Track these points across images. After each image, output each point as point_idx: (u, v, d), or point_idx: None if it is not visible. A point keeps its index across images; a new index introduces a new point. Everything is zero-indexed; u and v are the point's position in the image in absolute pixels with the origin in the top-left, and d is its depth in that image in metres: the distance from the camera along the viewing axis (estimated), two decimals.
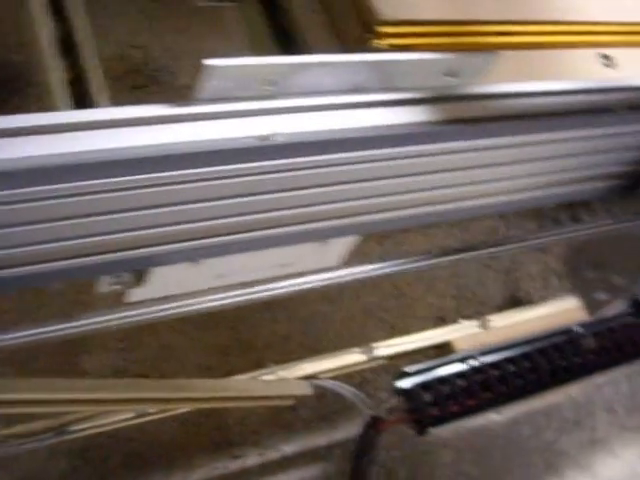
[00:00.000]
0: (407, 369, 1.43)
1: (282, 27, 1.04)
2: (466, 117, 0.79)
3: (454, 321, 1.79)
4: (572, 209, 1.98)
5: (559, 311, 1.69)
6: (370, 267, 0.97)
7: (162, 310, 0.93)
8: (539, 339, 1.53)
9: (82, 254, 0.75)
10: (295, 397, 1.34)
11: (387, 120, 0.76)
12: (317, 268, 1.06)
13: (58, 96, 0.93)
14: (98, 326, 0.75)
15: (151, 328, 1.68)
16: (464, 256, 0.99)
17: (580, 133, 0.87)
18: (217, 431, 1.65)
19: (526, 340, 1.52)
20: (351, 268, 1.01)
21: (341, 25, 0.98)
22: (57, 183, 0.66)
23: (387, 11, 0.87)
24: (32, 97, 1.88)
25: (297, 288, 1.03)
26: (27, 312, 1.54)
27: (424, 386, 1.41)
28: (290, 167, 0.74)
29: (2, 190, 0.64)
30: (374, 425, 1.41)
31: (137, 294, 0.99)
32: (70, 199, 0.68)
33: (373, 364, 1.48)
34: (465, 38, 0.87)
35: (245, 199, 0.78)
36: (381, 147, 0.76)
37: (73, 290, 1.62)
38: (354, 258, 1.09)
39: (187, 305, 0.95)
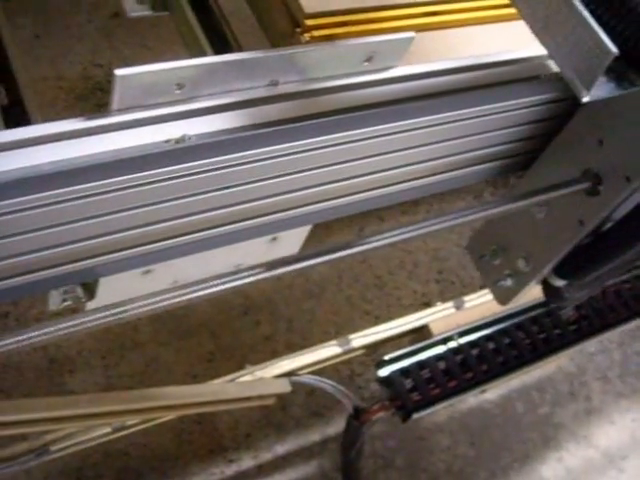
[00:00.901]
0: (386, 357, 1.44)
1: (216, 32, 1.05)
2: (385, 100, 0.80)
3: None
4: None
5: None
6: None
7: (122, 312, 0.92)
8: (517, 314, 1.54)
9: (22, 271, 0.75)
10: (275, 396, 1.35)
11: (306, 110, 0.77)
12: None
13: None
14: (71, 330, 0.74)
15: (133, 342, 1.69)
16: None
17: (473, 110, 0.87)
18: (210, 438, 1.66)
19: (504, 316, 1.53)
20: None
21: (268, 24, 0.99)
22: None
23: (309, 4, 0.88)
24: None
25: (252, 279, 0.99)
26: None
27: (404, 372, 1.42)
28: (211, 166, 0.75)
29: None
30: (357, 416, 1.42)
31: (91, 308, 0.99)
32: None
33: (352, 355, 1.48)
34: (385, 23, 0.88)
35: (173, 202, 0.78)
36: (304, 138, 0.77)
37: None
38: None
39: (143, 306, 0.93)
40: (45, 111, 1.83)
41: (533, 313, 1.53)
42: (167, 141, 0.72)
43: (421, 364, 1.43)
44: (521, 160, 1.00)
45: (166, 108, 0.73)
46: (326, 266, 1.88)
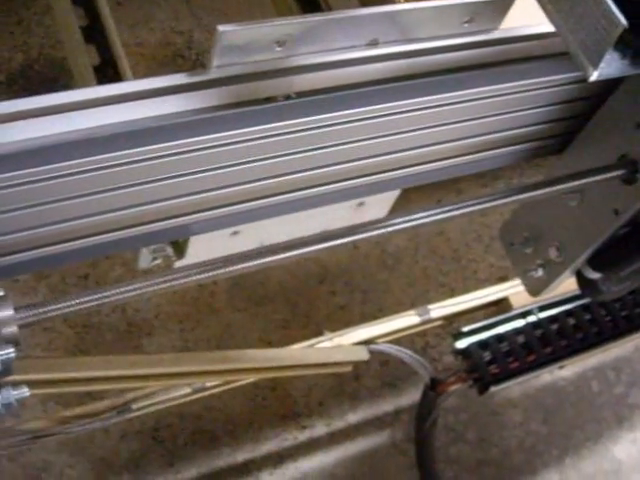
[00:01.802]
0: (464, 329, 1.43)
1: None
2: (483, 63, 0.79)
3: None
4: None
5: None
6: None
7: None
8: None
9: (117, 227, 0.76)
10: (353, 363, 1.35)
11: (405, 70, 0.76)
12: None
13: (88, 81, 0.95)
14: (155, 288, 0.75)
15: (210, 307, 1.70)
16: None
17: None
18: (283, 404, 1.67)
19: None
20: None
21: None
22: (83, 157, 0.67)
23: None
24: None
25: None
26: None
27: (482, 345, 1.41)
28: (314, 125, 0.74)
29: (32, 168, 0.66)
30: (433, 387, 1.41)
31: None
32: (95, 173, 0.69)
33: (430, 326, 1.47)
34: None
35: (266, 162, 0.78)
36: (402, 99, 0.76)
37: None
38: None
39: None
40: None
41: None
42: (268, 99, 0.72)
43: (500, 337, 1.41)
44: (557, 142, 0.96)
45: (266, 65, 0.73)
46: (403, 237, 1.87)
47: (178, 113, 0.72)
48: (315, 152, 0.79)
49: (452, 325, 1.59)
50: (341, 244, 0.77)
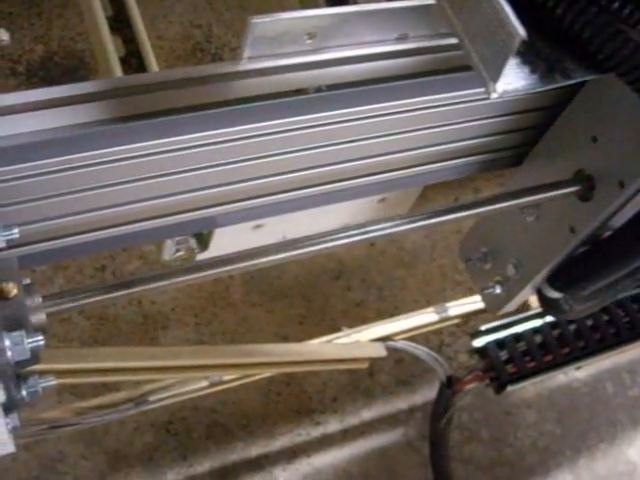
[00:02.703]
0: (482, 327, 1.42)
1: None
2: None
3: None
4: None
5: None
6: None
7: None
8: None
9: (144, 218, 0.76)
10: (370, 359, 1.34)
11: (435, 65, 0.76)
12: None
13: (114, 71, 0.95)
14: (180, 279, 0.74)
15: (225, 302, 1.71)
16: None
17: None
18: (297, 399, 1.67)
19: None
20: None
21: None
22: (105, 148, 0.67)
23: None
24: None
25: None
26: None
27: (500, 344, 1.40)
28: (343, 118, 0.74)
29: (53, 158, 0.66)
30: (450, 385, 1.41)
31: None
32: (122, 163, 0.69)
33: (447, 324, 1.46)
34: None
35: (293, 154, 0.78)
36: (432, 93, 0.76)
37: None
38: None
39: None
40: None
41: (634, 292, 1.49)
42: (298, 90, 0.71)
43: (517, 337, 1.41)
44: (513, 155, 0.93)
45: (297, 58, 0.73)
46: (419, 235, 1.86)
47: (209, 104, 0.72)
48: (342, 146, 0.79)
49: (468, 324, 1.58)
50: (360, 241, 0.77)
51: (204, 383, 1.23)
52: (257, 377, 1.40)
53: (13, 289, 0.60)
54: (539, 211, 0.90)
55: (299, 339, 1.61)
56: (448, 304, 1.45)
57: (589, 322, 1.45)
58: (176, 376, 1.13)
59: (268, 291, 1.73)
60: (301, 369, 1.29)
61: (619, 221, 0.83)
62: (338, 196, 0.91)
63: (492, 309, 1.02)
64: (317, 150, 0.79)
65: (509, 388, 1.38)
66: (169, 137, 0.68)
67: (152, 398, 1.21)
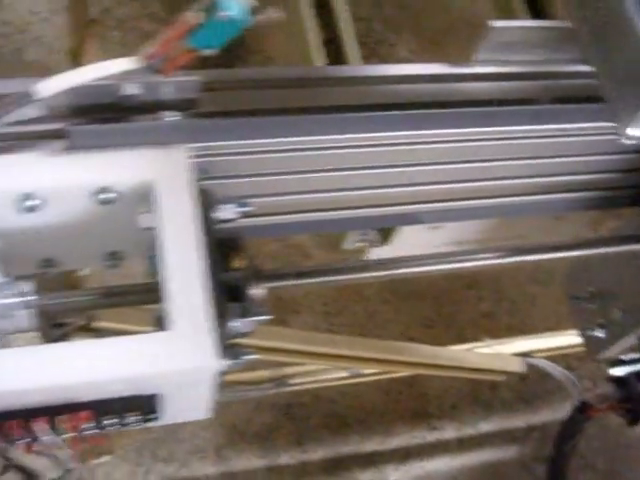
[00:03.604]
0: (623, 357, 1.39)
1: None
2: None
3: None
4: None
5: None
6: None
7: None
8: None
9: (336, 207, 0.77)
10: (507, 373, 1.34)
11: None
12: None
13: (315, 55, 0.96)
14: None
15: (357, 295, 1.71)
16: None
17: None
18: (417, 402, 1.66)
19: None
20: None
21: None
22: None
23: None
24: (253, 64, 1.93)
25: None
26: None
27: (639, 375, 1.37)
28: (558, 133, 0.74)
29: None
30: (583, 410, 1.38)
31: (375, 253, 1.01)
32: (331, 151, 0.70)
33: (578, 349, 1.44)
34: None
35: (503, 163, 0.78)
36: None
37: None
38: None
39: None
40: None
41: None
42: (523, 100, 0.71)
43: None
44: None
45: (527, 66, 0.72)
46: None
47: (427, 103, 0.73)
48: (551, 160, 0.78)
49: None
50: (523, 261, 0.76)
51: (344, 373, 1.24)
52: (396, 375, 1.41)
53: (240, 260, 0.62)
54: None
55: (424, 342, 1.60)
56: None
57: None
58: (327, 363, 1.14)
59: (400, 290, 1.73)
60: (440, 373, 1.29)
61: None
62: (513, 210, 0.89)
63: (591, 352, 0.98)
64: (519, 162, 0.78)
65: None
66: (395, 132, 0.69)
67: (292, 381, 1.22)
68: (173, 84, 0.63)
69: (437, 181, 0.79)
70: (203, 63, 0.65)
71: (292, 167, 0.68)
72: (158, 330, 0.61)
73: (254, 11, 0.58)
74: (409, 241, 0.95)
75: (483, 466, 1.66)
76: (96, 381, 0.56)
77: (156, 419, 0.61)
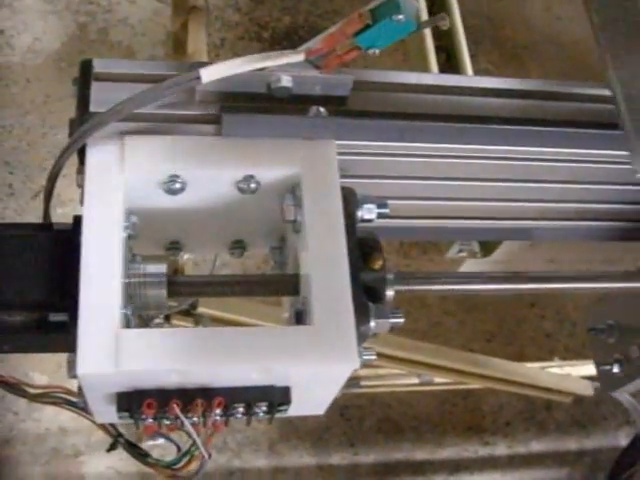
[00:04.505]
0: None
1: None
2: None
3: None
4: None
5: None
6: None
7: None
8: None
9: (464, 216, 0.77)
10: (575, 395, 1.33)
11: None
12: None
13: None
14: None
15: (421, 302, 1.71)
16: None
17: None
18: (471, 415, 1.66)
19: None
20: None
21: None
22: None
23: None
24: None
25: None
26: None
27: None
28: None
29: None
30: None
31: (469, 265, 1.01)
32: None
33: None
34: None
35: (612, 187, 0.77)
36: None
37: None
38: None
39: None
40: None
41: None
42: None
43: None
44: None
45: None
46: None
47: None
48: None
49: None
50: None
51: (414, 380, 1.24)
52: (452, 386, 1.41)
53: (379, 261, 0.62)
54: None
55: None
56: None
57: None
58: (416, 370, 1.14)
59: (464, 302, 1.72)
60: (510, 389, 1.29)
61: None
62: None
63: (605, 388, 0.92)
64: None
65: None
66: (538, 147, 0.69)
67: (363, 383, 1.23)
68: (326, 80, 0.63)
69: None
70: None
71: (430, 173, 0.69)
72: (294, 323, 0.61)
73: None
74: (508, 256, 0.95)
75: None
76: (237, 368, 0.56)
77: (285, 411, 0.61)
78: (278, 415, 0.62)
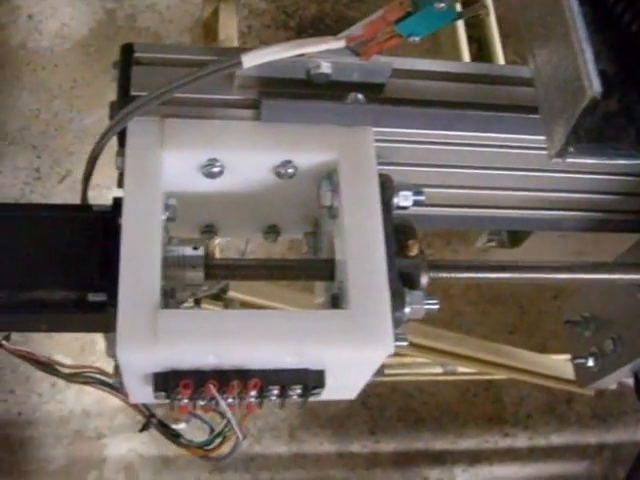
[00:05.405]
0: None
1: None
2: None
3: None
4: None
5: None
6: None
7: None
8: None
9: (497, 206, 0.77)
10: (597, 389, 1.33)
11: None
12: None
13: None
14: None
15: (445, 293, 1.71)
16: None
17: None
18: (492, 406, 1.66)
19: None
20: None
21: None
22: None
23: None
24: None
25: None
26: None
27: None
28: None
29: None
30: None
31: (499, 254, 1.01)
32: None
33: None
34: None
35: None
36: None
37: None
38: None
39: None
40: None
41: None
42: None
43: None
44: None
45: None
46: None
47: None
48: None
49: None
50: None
51: (438, 369, 1.25)
52: (474, 377, 1.42)
53: (414, 247, 0.62)
54: None
55: None
56: None
57: None
58: (441, 359, 1.14)
59: (487, 293, 1.72)
60: (538, 381, 1.29)
61: None
62: None
63: (581, 382, 0.90)
64: None
65: None
66: None
67: (388, 372, 1.23)
68: (365, 67, 0.64)
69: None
70: None
71: (468, 162, 0.69)
72: (329, 308, 0.62)
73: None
74: (538, 247, 0.95)
75: (551, 478, 1.65)
76: (275, 350, 0.57)
77: (319, 394, 0.62)
78: (312, 399, 0.62)
